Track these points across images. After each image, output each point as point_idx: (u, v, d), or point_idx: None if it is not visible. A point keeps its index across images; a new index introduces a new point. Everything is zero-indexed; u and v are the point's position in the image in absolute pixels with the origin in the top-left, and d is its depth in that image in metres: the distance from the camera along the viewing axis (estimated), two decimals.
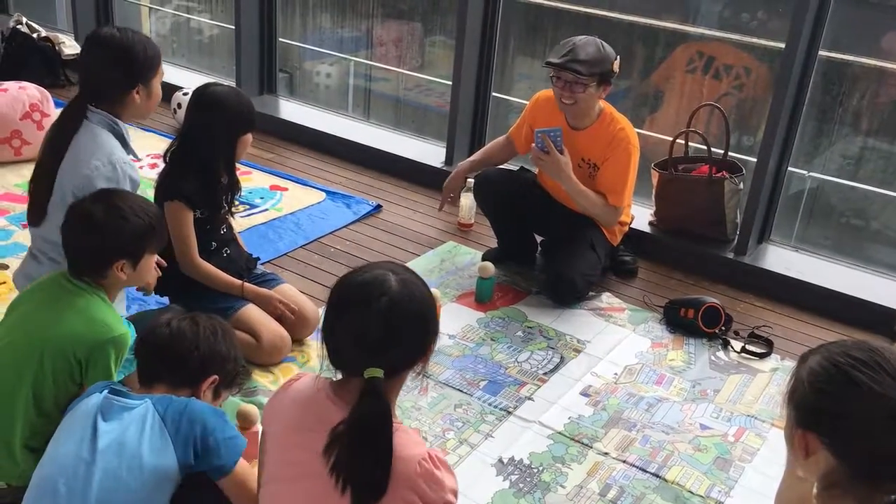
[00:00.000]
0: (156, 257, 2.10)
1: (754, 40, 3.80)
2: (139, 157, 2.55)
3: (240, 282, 2.66)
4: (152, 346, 1.82)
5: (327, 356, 1.48)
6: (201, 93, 2.63)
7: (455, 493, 1.46)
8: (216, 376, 1.83)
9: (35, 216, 2.33)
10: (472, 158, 3.51)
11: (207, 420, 1.69)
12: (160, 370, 1.80)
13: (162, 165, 2.67)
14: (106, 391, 1.73)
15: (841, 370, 1.25)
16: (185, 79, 4.87)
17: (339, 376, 1.50)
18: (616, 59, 2.98)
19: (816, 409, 1.27)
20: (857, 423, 1.23)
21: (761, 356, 2.88)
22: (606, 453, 2.37)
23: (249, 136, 2.64)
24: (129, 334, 1.97)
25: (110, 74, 2.32)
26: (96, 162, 2.22)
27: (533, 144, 3.04)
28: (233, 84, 4.65)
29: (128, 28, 2.44)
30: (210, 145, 2.57)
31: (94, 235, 1.95)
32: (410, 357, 1.49)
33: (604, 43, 2.98)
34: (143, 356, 1.83)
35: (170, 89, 4.68)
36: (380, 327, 1.41)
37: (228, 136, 2.58)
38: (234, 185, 2.71)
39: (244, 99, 2.66)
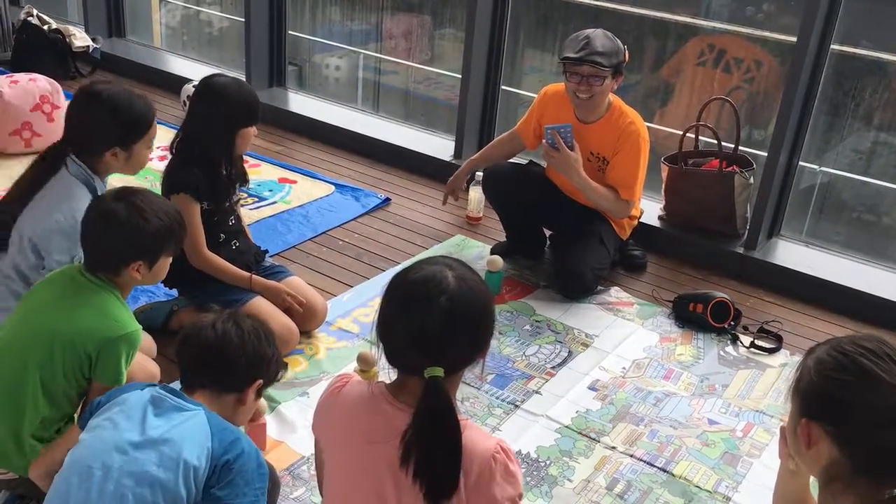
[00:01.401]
0: (171, 257, 2.07)
1: (766, 34, 3.78)
2: None
3: (248, 274, 2.66)
4: (197, 350, 1.78)
5: (384, 356, 1.46)
6: (205, 83, 2.63)
7: (520, 484, 1.47)
8: (261, 380, 1.81)
9: None
10: (475, 156, 3.50)
11: (248, 479, 1.64)
12: (206, 376, 1.76)
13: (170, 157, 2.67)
14: (157, 386, 1.72)
15: (850, 358, 1.24)
16: (195, 71, 4.87)
17: (394, 376, 1.48)
18: (625, 49, 2.98)
19: (823, 397, 1.26)
20: (863, 412, 1.22)
21: (770, 351, 2.87)
22: (614, 447, 2.36)
23: (251, 130, 2.60)
24: (140, 332, 1.96)
25: (91, 127, 2.26)
26: (58, 216, 2.16)
27: (543, 140, 3.03)
28: (241, 76, 4.66)
29: (128, 89, 2.37)
30: (210, 137, 2.57)
31: (113, 234, 1.93)
32: (470, 354, 1.46)
33: (612, 34, 2.97)
34: (187, 360, 1.79)
35: (179, 82, 4.70)
36: (440, 326, 1.39)
37: (228, 129, 2.56)
38: (241, 177, 2.71)
39: (246, 91, 2.63)
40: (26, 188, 2.25)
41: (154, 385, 1.76)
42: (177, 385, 1.77)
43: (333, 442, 1.54)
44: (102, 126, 2.25)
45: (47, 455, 1.87)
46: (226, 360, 1.76)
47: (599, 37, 2.93)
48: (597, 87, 2.94)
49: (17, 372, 1.88)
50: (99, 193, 2.25)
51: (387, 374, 1.52)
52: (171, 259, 2.05)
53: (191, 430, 1.66)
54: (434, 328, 1.39)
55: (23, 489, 1.97)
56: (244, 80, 4.62)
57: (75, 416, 2.00)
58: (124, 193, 1.99)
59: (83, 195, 2.21)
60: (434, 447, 1.37)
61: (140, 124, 2.29)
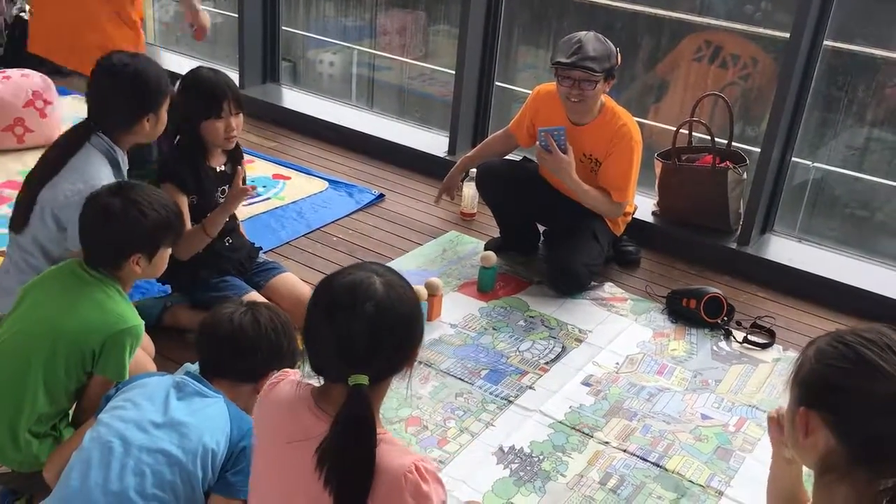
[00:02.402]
0: (170, 248, 2.10)
1: (761, 30, 3.78)
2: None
3: (198, 227, 2.56)
4: (215, 342, 1.84)
5: (308, 361, 1.42)
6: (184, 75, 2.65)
7: None
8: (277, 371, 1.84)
9: (17, 222, 2.32)
10: (469, 154, 3.49)
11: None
12: (223, 366, 1.83)
13: None
14: (183, 373, 1.79)
15: (851, 348, 1.24)
16: (188, 67, 4.84)
17: (321, 381, 1.45)
18: (617, 52, 2.97)
19: (823, 386, 1.26)
20: (862, 401, 1.22)
21: (763, 346, 2.87)
22: (607, 442, 2.37)
23: (215, 124, 2.54)
24: (142, 326, 1.98)
25: (122, 103, 2.35)
26: (75, 186, 2.21)
27: (537, 142, 3.04)
28: (234, 72, 4.65)
29: (139, 55, 2.46)
30: (182, 129, 2.59)
31: (111, 228, 1.95)
32: (396, 363, 1.43)
33: (604, 37, 2.96)
34: (205, 351, 1.86)
35: (172, 78, 4.67)
36: (366, 334, 1.35)
37: (190, 120, 2.57)
38: (232, 176, 2.70)
39: (210, 82, 2.56)
40: (53, 164, 2.30)
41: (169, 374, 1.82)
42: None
43: (259, 438, 1.53)
44: (135, 100, 2.35)
45: (60, 454, 1.86)
46: (241, 352, 1.82)
47: (591, 41, 2.91)
48: (588, 91, 2.94)
49: (19, 368, 1.88)
50: (122, 167, 2.35)
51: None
52: (170, 251, 2.07)
53: (211, 415, 1.71)
54: (359, 335, 1.35)
55: (15, 484, 1.97)
56: (237, 75, 4.64)
57: (69, 414, 2.00)
58: (121, 188, 2.01)
59: (103, 166, 2.28)
60: (348, 457, 1.33)
61: (165, 87, 2.41)
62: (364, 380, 1.35)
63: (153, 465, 1.61)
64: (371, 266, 1.44)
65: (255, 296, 2.62)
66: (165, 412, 1.68)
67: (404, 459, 1.37)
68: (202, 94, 2.55)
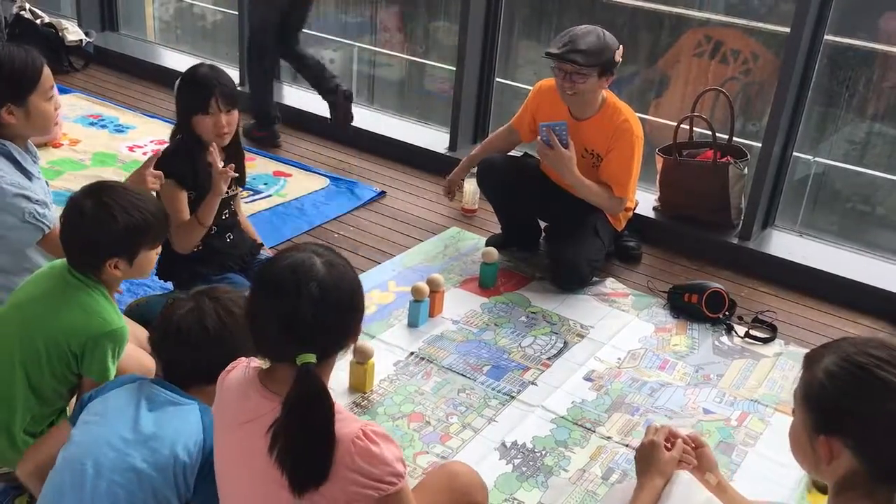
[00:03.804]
0: (157, 249, 2.04)
1: (761, 25, 3.78)
2: (39, 175, 2.32)
3: (192, 218, 2.57)
4: (167, 351, 1.78)
5: (254, 344, 1.44)
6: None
7: (402, 461, 1.43)
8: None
9: None
10: (473, 153, 3.48)
11: None
12: (184, 373, 1.75)
13: None
14: (149, 380, 1.74)
15: (865, 370, 1.22)
16: (188, 65, 4.84)
17: (268, 363, 1.46)
18: (619, 48, 2.95)
19: (842, 412, 1.23)
20: (886, 422, 1.20)
21: (765, 341, 2.88)
22: (609, 437, 2.37)
23: (204, 119, 2.53)
24: (126, 329, 1.95)
25: None
26: None
27: (538, 138, 3.04)
28: (235, 70, 4.65)
29: (12, 43, 2.28)
30: (181, 126, 2.60)
31: (83, 232, 1.90)
32: (341, 339, 1.47)
33: (606, 32, 2.94)
34: (163, 361, 1.79)
35: (172, 76, 4.67)
36: (310, 314, 1.37)
37: (183, 114, 2.58)
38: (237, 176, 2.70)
39: (198, 77, 2.57)
40: None
41: (145, 379, 1.76)
42: None
43: (217, 426, 1.55)
44: None
45: (33, 453, 1.86)
46: (197, 358, 1.74)
47: (587, 34, 2.90)
48: (580, 84, 2.93)
49: (4, 369, 1.87)
50: (20, 160, 2.20)
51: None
52: (155, 252, 2.02)
53: (183, 423, 1.67)
54: (305, 315, 1.37)
55: (17, 482, 1.97)
56: (237, 72, 4.64)
57: (68, 410, 2.00)
58: (95, 189, 1.95)
59: (1, 164, 2.16)
60: (303, 436, 1.35)
61: (25, 78, 2.18)
62: (312, 358, 1.37)
63: (126, 486, 1.58)
64: (310, 247, 1.46)
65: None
66: (135, 426, 1.64)
67: (352, 426, 1.39)
68: (192, 89, 2.57)
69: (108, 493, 1.58)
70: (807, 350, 1.36)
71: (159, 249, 2.06)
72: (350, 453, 1.36)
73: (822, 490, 1.84)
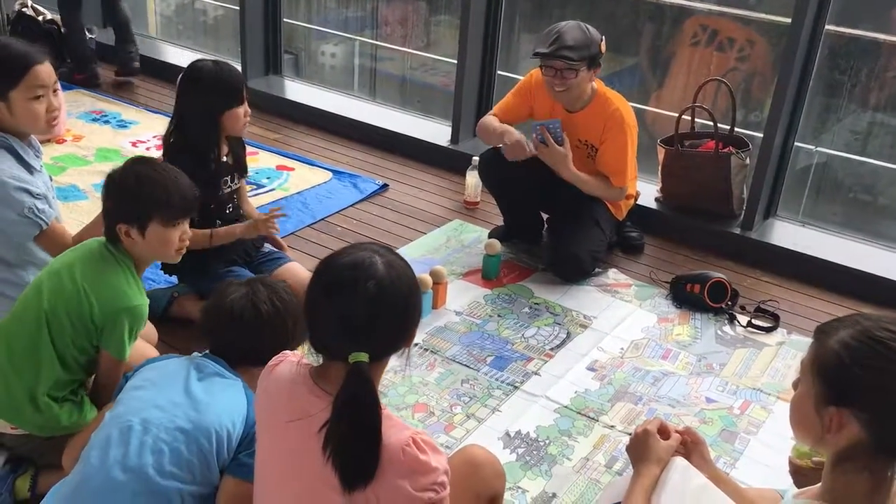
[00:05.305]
0: (179, 232, 2.05)
1: (760, 15, 3.78)
2: (41, 169, 2.30)
3: (207, 231, 2.60)
4: (219, 332, 1.87)
5: (308, 339, 1.44)
6: (186, 68, 2.64)
7: (447, 473, 1.43)
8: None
9: None
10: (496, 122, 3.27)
11: None
12: (231, 354, 1.84)
13: None
14: (200, 354, 1.84)
15: (883, 344, 1.22)
16: (190, 60, 4.86)
17: (321, 360, 1.46)
18: (601, 39, 2.98)
19: (860, 386, 1.23)
20: None
21: (767, 330, 2.88)
22: (612, 426, 2.38)
23: (237, 111, 2.58)
24: (146, 306, 2.00)
25: None
26: None
27: (533, 135, 3.05)
28: (237, 65, 4.65)
29: (14, 38, 2.24)
30: (193, 123, 2.58)
31: (107, 196, 2.02)
32: (396, 341, 1.45)
33: (588, 26, 2.96)
34: (211, 341, 1.88)
35: (174, 71, 4.68)
36: (366, 312, 1.37)
37: (209, 113, 2.56)
38: (239, 168, 2.71)
39: (225, 72, 2.59)
40: None
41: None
42: None
43: (259, 419, 1.55)
44: None
45: (77, 441, 1.88)
46: (245, 340, 1.84)
47: (571, 30, 2.92)
48: (570, 79, 2.95)
49: (33, 334, 1.93)
50: (21, 153, 2.21)
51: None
52: (175, 232, 2.03)
53: (229, 396, 1.74)
54: (361, 313, 1.37)
55: (26, 449, 2.00)
56: (239, 67, 4.65)
57: (88, 382, 2.05)
58: (139, 161, 2.08)
59: (2, 157, 2.16)
60: (353, 435, 1.35)
61: (4, 70, 2.14)
62: (364, 357, 1.37)
63: (171, 443, 1.64)
64: (371, 246, 1.46)
65: (286, 268, 2.70)
66: (185, 391, 1.71)
67: (402, 434, 1.39)
68: (222, 82, 2.57)
69: (154, 448, 1.63)
70: (809, 340, 1.35)
71: (185, 236, 2.07)
72: (399, 461, 1.37)
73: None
